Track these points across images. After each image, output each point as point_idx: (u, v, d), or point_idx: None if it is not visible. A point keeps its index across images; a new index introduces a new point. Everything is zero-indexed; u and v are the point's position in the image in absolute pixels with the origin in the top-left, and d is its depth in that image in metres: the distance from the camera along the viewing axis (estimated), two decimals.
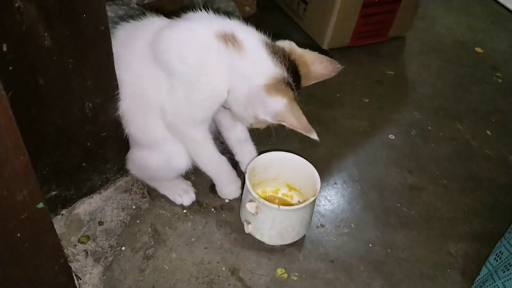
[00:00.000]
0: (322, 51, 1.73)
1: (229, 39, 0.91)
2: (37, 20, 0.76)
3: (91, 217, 1.10)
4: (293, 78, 0.95)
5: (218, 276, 1.02)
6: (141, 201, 1.16)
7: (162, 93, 0.96)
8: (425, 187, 1.31)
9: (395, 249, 1.13)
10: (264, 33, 0.99)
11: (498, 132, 1.54)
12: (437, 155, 1.42)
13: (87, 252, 1.03)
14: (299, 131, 0.92)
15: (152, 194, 1.17)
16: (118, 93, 0.99)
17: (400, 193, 1.28)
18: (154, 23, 0.99)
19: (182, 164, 1.07)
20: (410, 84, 1.74)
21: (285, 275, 1.04)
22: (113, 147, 1.08)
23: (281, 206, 0.98)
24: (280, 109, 0.91)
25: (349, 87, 1.64)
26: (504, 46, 2.04)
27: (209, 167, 1.11)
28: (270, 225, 1.02)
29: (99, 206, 1.12)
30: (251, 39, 0.94)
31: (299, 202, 1.14)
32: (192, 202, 1.16)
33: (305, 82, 1.01)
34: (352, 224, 1.17)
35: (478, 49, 1.97)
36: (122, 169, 1.16)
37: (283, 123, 0.92)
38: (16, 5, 0.72)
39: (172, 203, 1.16)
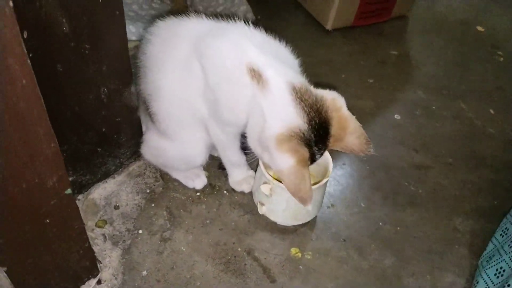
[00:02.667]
0: (325, 31, 1.75)
1: (255, 76, 0.85)
2: (56, 7, 0.76)
3: (106, 202, 1.11)
4: (316, 135, 0.86)
5: (235, 256, 1.05)
6: (154, 185, 1.17)
7: (198, 100, 0.96)
8: (431, 166, 1.33)
9: (404, 226, 1.16)
10: (303, 74, 0.93)
11: (500, 110, 1.57)
12: (441, 134, 1.44)
13: (105, 236, 1.05)
14: (293, 197, 0.88)
15: (165, 178, 1.19)
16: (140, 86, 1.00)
17: (407, 172, 1.30)
18: (197, 26, 0.96)
19: (200, 161, 1.10)
20: (413, 63, 1.75)
21: (299, 254, 1.07)
22: (127, 132, 1.09)
23: None
24: (283, 168, 0.85)
25: (354, 67, 1.65)
26: (505, 24, 2.05)
27: (228, 162, 1.13)
28: (284, 206, 1.04)
29: (114, 191, 1.14)
30: (279, 79, 0.86)
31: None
32: (204, 185, 1.18)
33: (333, 145, 0.92)
34: (361, 204, 1.20)
35: (479, 28, 1.98)
36: (134, 154, 1.17)
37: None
38: None
39: (184, 186, 1.18)
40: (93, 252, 0.88)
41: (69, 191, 0.71)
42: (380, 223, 1.16)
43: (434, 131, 1.45)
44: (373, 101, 1.52)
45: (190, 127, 1.03)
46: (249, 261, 1.04)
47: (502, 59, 1.82)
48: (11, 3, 0.48)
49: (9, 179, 0.61)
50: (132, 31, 1.44)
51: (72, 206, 0.74)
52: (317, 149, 0.88)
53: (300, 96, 0.85)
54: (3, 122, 0.55)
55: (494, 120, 1.53)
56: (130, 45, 1.00)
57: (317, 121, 0.86)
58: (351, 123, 0.91)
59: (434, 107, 1.54)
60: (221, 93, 0.90)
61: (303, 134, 0.85)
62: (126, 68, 0.96)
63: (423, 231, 1.16)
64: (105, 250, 1.02)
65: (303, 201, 0.86)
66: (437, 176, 1.30)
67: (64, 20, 0.78)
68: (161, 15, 1.06)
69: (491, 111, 1.56)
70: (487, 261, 1.06)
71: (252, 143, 0.93)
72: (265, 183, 1.03)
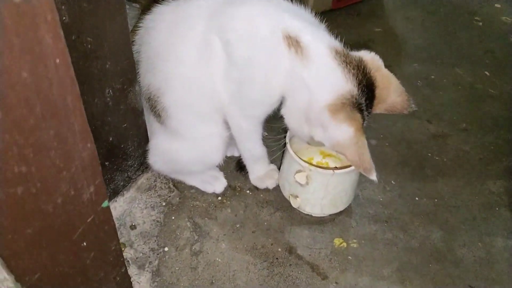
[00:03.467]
0: None
1: (292, 44, 0.77)
2: None
3: (120, 223, 0.98)
4: (367, 98, 0.80)
5: (277, 258, 0.94)
6: (169, 196, 1.05)
7: (218, 83, 0.84)
8: (448, 134, 1.28)
9: (440, 198, 1.10)
10: (338, 39, 0.84)
11: (495, 71, 1.56)
12: (448, 102, 1.41)
13: (128, 261, 0.91)
14: (358, 169, 0.80)
15: (179, 186, 1.07)
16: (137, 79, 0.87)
17: (427, 143, 1.25)
18: (208, 1, 0.85)
19: (217, 159, 0.98)
20: (400, 38, 1.71)
21: (344, 244, 0.98)
22: (134, 140, 0.96)
23: (336, 170, 0.91)
24: (342, 139, 0.77)
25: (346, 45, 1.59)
26: None
27: (249, 157, 1.03)
28: (323, 194, 0.95)
29: (125, 210, 1.00)
30: (319, 45, 0.79)
31: (336, 168, 1.07)
32: (225, 188, 1.07)
33: (377, 108, 0.85)
34: (392, 181, 1.13)
35: None
36: (142, 166, 1.04)
37: (340, 154, 0.80)
38: None
39: (203, 192, 1.06)
40: (129, 278, 0.74)
41: (106, 203, 0.58)
42: (417, 198, 1.09)
43: (440, 100, 1.41)
44: None
45: (207, 119, 0.92)
46: (294, 260, 0.94)
47: (481, 23, 1.82)
48: None
49: (42, 193, 0.48)
50: None
51: (110, 222, 0.61)
52: (367, 113, 0.81)
53: (344, 60, 0.78)
54: (35, 113, 0.42)
55: (492, 81, 1.51)
56: None
57: (365, 83, 0.78)
58: (393, 81, 0.85)
59: (433, 77, 1.50)
60: (251, 68, 0.80)
61: (355, 99, 0.77)
62: (130, 63, 0.84)
63: (461, 200, 1.10)
64: (132, 276, 0.88)
65: (368, 171, 0.78)
66: (457, 143, 1.26)
67: (63, 7, 0.66)
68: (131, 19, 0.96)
69: (487, 73, 1.55)
70: None
71: (294, 123, 0.84)
72: (298, 171, 0.94)
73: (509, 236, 1.03)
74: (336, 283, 0.91)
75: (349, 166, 0.92)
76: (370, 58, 0.83)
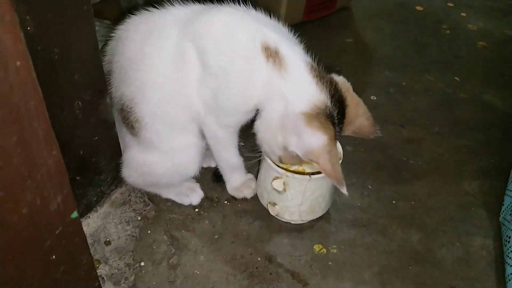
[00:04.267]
0: None
1: (271, 55, 0.79)
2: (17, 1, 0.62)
3: (94, 239, 0.95)
4: (338, 112, 0.82)
5: (256, 267, 0.93)
6: (145, 210, 1.02)
7: (193, 91, 0.84)
8: (422, 138, 1.31)
9: (417, 200, 1.11)
10: (310, 52, 0.87)
11: (464, 76, 1.60)
12: (420, 107, 1.43)
13: (103, 278, 0.88)
14: (329, 178, 0.80)
15: (154, 200, 1.05)
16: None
17: (402, 148, 1.26)
18: (183, 10, 0.85)
19: (193, 170, 0.97)
20: (371, 47, 1.75)
21: (324, 250, 0.97)
22: (106, 153, 0.94)
23: (312, 176, 0.91)
24: (317, 147, 0.77)
25: (318, 59, 1.61)
26: (439, 1, 2.13)
27: (226, 166, 1.02)
28: (300, 200, 0.95)
29: (99, 225, 0.98)
30: (296, 58, 0.81)
31: (313, 173, 1.07)
32: (202, 199, 1.05)
33: (346, 128, 0.86)
34: (369, 186, 1.13)
35: (419, 8, 2.04)
36: (115, 180, 1.02)
37: (313, 163, 0.80)
38: None
39: (179, 205, 1.04)
40: None
41: (75, 214, 0.56)
42: (394, 201, 1.10)
43: (412, 105, 1.44)
44: None
45: (182, 129, 0.91)
46: (274, 268, 0.93)
47: (448, 31, 1.88)
48: None
49: (6, 203, 0.46)
50: None
51: (80, 234, 0.59)
52: (338, 129, 0.82)
53: (318, 74, 0.80)
54: None
55: (462, 86, 1.55)
56: None
57: (337, 99, 0.80)
58: (361, 104, 0.87)
59: (404, 83, 1.53)
60: (228, 76, 0.79)
61: (329, 110, 0.79)
62: (100, 75, 0.83)
63: (437, 201, 1.11)
64: None
65: (340, 182, 0.78)
66: (431, 146, 1.28)
67: (27, 17, 0.64)
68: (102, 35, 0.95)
69: (456, 78, 1.59)
70: (510, 214, 1.02)
71: (267, 135, 0.84)
72: (275, 178, 0.93)
73: (485, 235, 1.04)
74: None
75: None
76: (341, 79, 0.86)
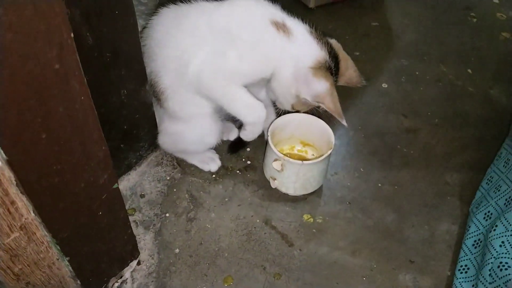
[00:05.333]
0: (308, 10, 1.84)
1: (280, 26, 1.04)
2: (81, 23, 0.84)
3: (132, 192, 1.22)
4: (334, 65, 1.08)
5: (254, 227, 1.17)
6: (173, 172, 1.28)
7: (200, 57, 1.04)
8: (420, 128, 1.46)
9: (400, 186, 1.29)
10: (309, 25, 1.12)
11: (477, 69, 1.69)
12: (426, 98, 1.57)
13: (137, 223, 1.16)
14: (333, 114, 1.06)
15: (181, 164, 1.30)
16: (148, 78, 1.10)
17: (399, 136, 1.43)
18: (205, 5, 1.08)
19: (212, 140, 1.20)
20: (394, 33, 1.85)
21: (311, 219, 1.20)
22: (145, 127, 1.18)
23: (304, 161, 1.12)
24: (322, 91, 1.04)
25: (340, 42, 1.75)
26: None
27: (243, 107, 1.11)
28: (294, 179, 1.16)
29: (137, 181, 1.24)
30: (298, 27, 1.07)
31: (314, 156, 1.28)
32: (219, 167, 1.29)
33: (340, 78, 1.13)
34: (361, 169, 1.33)
35: None
36: (152, 145, 1.27)
37: (320, 105, 1.06)
38: None
39: (200, 170, 1.29)
40: (134, 237, 0.99)
41: (116, 185, 0.81)
42: (379, 184, 1.29)
43: (419, 96, 1.57)
44: (361, 73, 1.62)
45: (194, 99, 1.11)
46: (268, 230, 1.17)
47: (475, 19, 1.93)
48: (72, 35, 0.57)
49: (71, 181, 0.71)
50: None
51: (118, 198, 0.85)
52: (335, 79, 1.09)
53: (317, 36, 1.07)
54: (66, 131, 0.64)
55: (472, 79, 1.65)
56: None
57: (333, 54, 1.07)
58: (349, 60, 1.15)
59: (417, 73, 1.66)
60: (253, 46, 1.03)
61: (327, 64, 1.05)
62: (141, 69, 1.05)
63: (418, 188, 1.29)
64: (139, 235, 1.13)
65: (340, 116, 1.06)
66: (426, 137, 1.43)
67: (88, 34, 0.87)
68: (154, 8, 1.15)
69: (469, 70, 1.69)
70: (476, 207, 1.20)
71: (283, 90, 1.10)
72: (275, 160, 1.15)
73: (453, 221, 1.22)
74: (300, 250, 1.13)
75: (322, 154, 1.13)
76: (333, 41, 1.14)
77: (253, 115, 1.10)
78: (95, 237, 0.85)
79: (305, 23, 1.11)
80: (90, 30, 0.87)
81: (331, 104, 1.05)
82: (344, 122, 1.07)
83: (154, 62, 1.10)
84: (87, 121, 0.67)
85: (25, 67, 0.54)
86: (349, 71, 1.15)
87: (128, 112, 1.09)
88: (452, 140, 1.43)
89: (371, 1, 1.99)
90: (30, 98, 0.57)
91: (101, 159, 0.74)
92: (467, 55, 1.75)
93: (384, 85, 1.60)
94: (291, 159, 1.12)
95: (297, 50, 1.05)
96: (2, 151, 0.57)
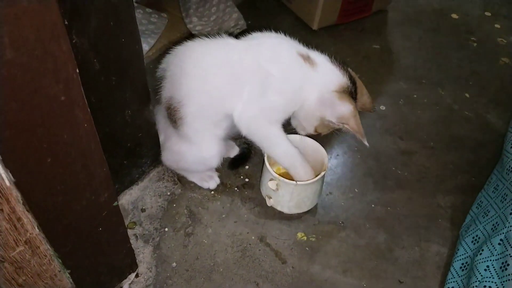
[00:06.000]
0: (312, 31, 1.90)
1: (305, 58, 1.13)
2: (89, 50, 0.90)
3: (134, 206, 1.28)
4: (353, 90, 1.16)
5: (249, 244, 1.22)
6: (173, 187, 1.33)
7: (237, 101, 1.13)
8: (415, 151, 1.50)
9: (393, 207, 1.33)
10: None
11: (475, 93, 1.74)
12: (423, 121, 1.61)
13: (137, 236, 1.21)
14: (356, 134, 1.13)
15: (182, 180, 1.35)
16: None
17: (394, 158, 1.47)
18: (233, 43, 1.16)
19: (214, 163, 1.26)
20: (394, 56, 1.90)
21: (305, 238, 1.24)
22: (147, 144, 1.24)
23: (298, 182, 1.16)
24: (346, 113, 1.11)
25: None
26: (477, 10, 2.20)
27: (284, 159, 1.21)
28: (289, 198, 1.21)
29: (139, 196, 1.30)
30: (320, 57, 1.17)
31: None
32: (217, 185, 1.34)
33: (356, 103, 1.18)
34: (355, 189, 1.37)
35: (454, 15, 2.13)
36: (154, 162, 1.33)
37: (345, 125, 1.13)
38: (74, 41, 0.86)
39: (200, 187, 1.34)
40: (133, 251, 1.04)
41: (116, 203, 0.87)
42: (373, 205, 1.33)
43: (416, 119, 1.62)
44: None
45: (214, 125, 1.19)
46: (262, 247, 1.21)
47: (475, 44, 1.98)
48: (77, 70, 0.63)
49: (73, 199, 0.77)
50: None
51: (118, 215, 0.90)
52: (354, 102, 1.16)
53: (337, 65, 1.16)
54: (70, 155, 0.70)
55: (469, 103, 1.70)
56: None
57: (352, 80, 1.15)
58: (364, 87, 1.23)
59: (415, 96, 1.70)
60: (287, 78, 1.12)
61: (349, 88, 1.14)
62: (145, 92, 1.11)
63: (410, 210, 1.33)
64: (138, 248, 1.18)
65: (362, 136, 1.13)
66: (421, 159, 1.48)
67: (95, 60, 0.93)
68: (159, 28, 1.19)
69: (467, 95, 1.73)
70: (465, 230, 1.23)
71: (307, 116, 1.18)
72: (271, 179, 1.20)
73: (443, 244, 1.26)
74: (292, 267, 1.18)
75: (317, 175, 1.18)
76: (350, 69, 1.21)
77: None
78: (95, 251, 0.90)
79: (325, 54, 1.20)
80: (98, 56, 0.93)
81: (355, 125, 1.12)
82: (365, 142, 1.14)
83: (178, 91, 1.15)
84: (89, 146, 0.73)
85: (33, 100, 0.60)
86: (364, 97, 1.22)
87: (131, 131, 1.15)
88: (446, 163, 1.47)
89: (374, 24, 2.05)
90: (38, 127, 0.63)
91: (102, 179, 0.79)
92: (465, 79, 1.80)
93: (382, 107, 1.64)
94: (286, 180, 1.16)
95: (322, 78, 1.13)
96: (10, 174, 0.63)
